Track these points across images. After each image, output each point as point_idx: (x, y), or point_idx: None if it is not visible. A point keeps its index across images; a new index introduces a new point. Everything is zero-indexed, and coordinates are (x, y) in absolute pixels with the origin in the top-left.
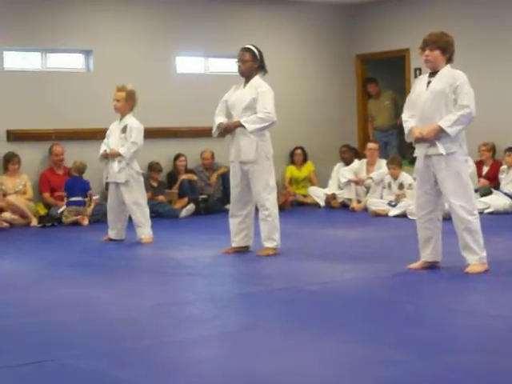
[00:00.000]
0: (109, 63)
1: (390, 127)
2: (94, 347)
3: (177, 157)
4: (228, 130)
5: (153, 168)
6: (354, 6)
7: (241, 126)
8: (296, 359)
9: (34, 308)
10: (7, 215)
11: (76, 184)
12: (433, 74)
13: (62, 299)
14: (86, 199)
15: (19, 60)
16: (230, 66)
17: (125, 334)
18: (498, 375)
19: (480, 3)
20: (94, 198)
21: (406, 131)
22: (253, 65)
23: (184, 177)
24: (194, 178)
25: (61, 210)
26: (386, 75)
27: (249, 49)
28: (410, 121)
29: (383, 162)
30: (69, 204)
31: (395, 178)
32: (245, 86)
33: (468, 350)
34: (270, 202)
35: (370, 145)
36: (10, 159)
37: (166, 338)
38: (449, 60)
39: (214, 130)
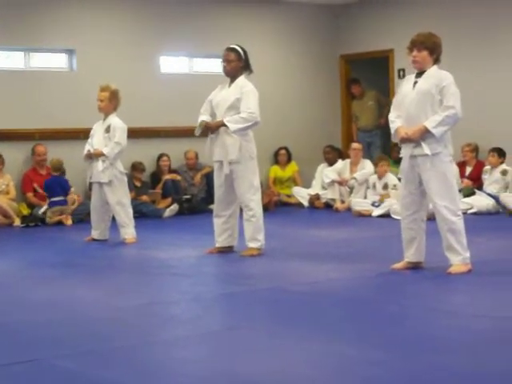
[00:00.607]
0: (92, 63)
1: (374, 127)
2: (79, 347)
3: (160, 157)
4: (210, 128)
5: (136, 168)
6: (339, 7)
7: (224, 125)
8: (280, 359)
9: (18, 308)
10: None
11: (56, 183)
12: (419, 74)
13: (45, 299)
14: (67, 198)
15: (3, 59)
16: (214, 65)
17: (109, 334)
18: (481, 375)
19: (464, 3)
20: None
21: (392, 131)
22: (238, 64)
23: (167, 177)
24: (178, 177)
25: (42, 210)
26: (370, 75)
27: (234, 49)
28: (396, 121)
29: (367, 163)
30: (51, 204)
31: (380, 177)
32: (230, 85)
33: (452, 350)
34: (254, 202)
35: (354, 145)
36: None
37: (151, 337)
38: (436, 61)
39: (197, 128)
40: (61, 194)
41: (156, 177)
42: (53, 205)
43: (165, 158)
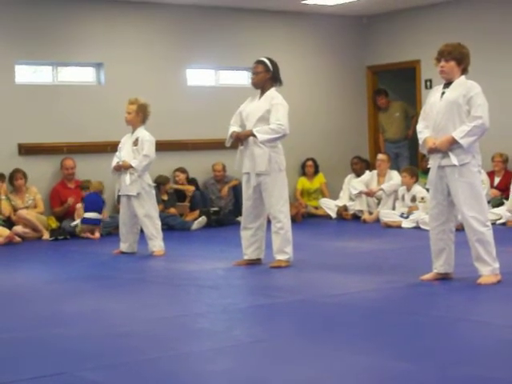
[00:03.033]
0: (120, 76)
1: (401, 138)
2: (107, 359)
3: (175, 171)
4: (240, 138)
5: (162, 181)
6: (366, 18)
7: (252, 135)
8: (309, 371)
9: (47, 321)
10: (19, 229)
11: (94, 200)
12: (447, 84)
13: (74, 312)
14: (100, 217)
15: (30, 74)
16: (241, 78)
17: (138, 346)
18: None
19: (492, 14)
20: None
21: (420, 142)
22: (265, 76)
23: (174, 186)
24: (191, 189)
25: (74, 223)
26: (397, 86)
27: (261, 61)
28: (424, 131)
29: (394, 174)
30: (84, 222)
31: (408, 189)
32: (260, 97)
33: (482, 361)
34: (283, 214)
35: (380, 156)
36: (14, 175)
37: (179, 350)
38: (464, 71)
39: (228, 139)
40: (95, 211)
41: (179, 190)
42: (86, 222)
43: (177, 173)
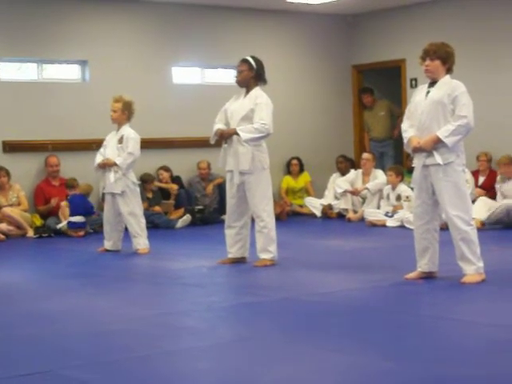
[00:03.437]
0: (105, 74)
1: (386, 137)
2: (92, 357)
3: (158, 169)
4: (223, 136)
5: (146, 179)
6: (351, 17)
7: (236, 133)
8: (293, 369)
9: (31, 319)
10: (3, 226)
11: (80, 203)
12: (432, 83)
13: (59, 310)
14: (85, 220)
15: (15, 71)
16: (227, 76)
17: (122, 344)
18: None
19: (476, 14)
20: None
21: (405, 141)
22: (248, 74)
23: (158, 184)
24: (174, 187)
25: (60, 225)
26: (382, 85)
27: (245, 60)
28: (408, 130)
29: (379, 173)
30: (70, 225)
31: (393, 187)
32: (245, 96)
33: (465, 360)
34: (266, 213)
35: (365, 155)
36: None
37: (163, 348)
38: (448, 70)
39: (212, 136)
40: (81, 214)
41: (163, 188)
42: (72, 226)
43: (160, 172)
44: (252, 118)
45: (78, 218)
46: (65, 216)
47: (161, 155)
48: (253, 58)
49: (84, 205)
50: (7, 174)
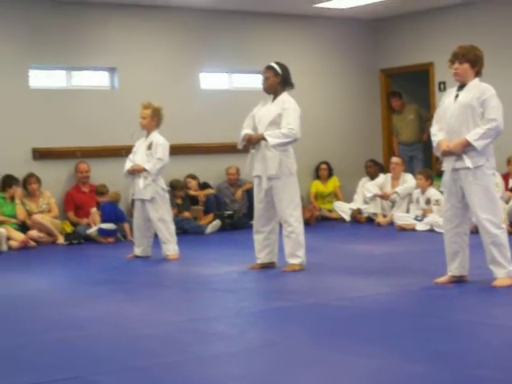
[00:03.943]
0: (133, 80)
1: (415, 141)
2: (121, 363)
3: (186, 177)
4: (251, 141)
5: (175, 185)
6: (378, 21)
7: (263, 139)
8: (321, 374)
9: (62, 325)
10: (34, 233)
11: (112, 211)
12: (461, 87)
13: (89, 316)
14: (116, 227)
15: (44, 78)
16: (254, 81)
17: (152, 350)
18: None
19: (505, 19)
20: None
21: (434, 144)
22: (275, 80)
23: (192, 193)
24: (210, 191)
25: (90, 231)
26: (410, 89)
27: (270, 66)
28: (438, 134)
29: (408, 177)
30: (100, 232)
31: (423, 191)
32: (272, 101)
33: (497, 364)
34: (293, 218)
35: (394, 159)
36: (27, 180)
37: (193, 353)
38: (478, 73)
39: (240, 141)
40: (112, 221)
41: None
42: (102, 232)
43: (188, 180)
44: (279, 123)
45: (109, 226)
46: (95, 222)
47: (189, 161)
48: (277, 63)
49: (115, 213)
50: (38, 180)
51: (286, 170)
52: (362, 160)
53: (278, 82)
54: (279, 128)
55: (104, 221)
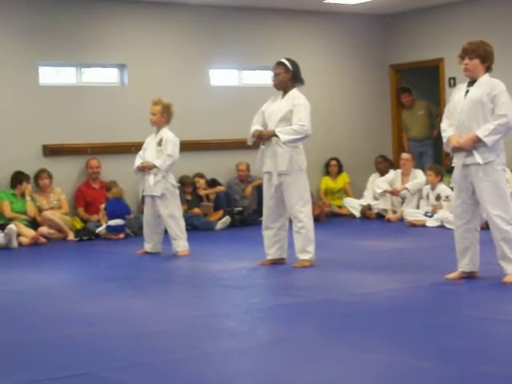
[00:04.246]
0: (143, 77)
1: (425, 137)
2: (131, 359)
3: (194, 176)
4: (262, 137)
5: (185, 181)
6: (388, 16)
7: (275, 135)
8: (333, 369)
9: (72, 320)
10: (44, 230)
11: (116, 206)
12: (471, 82)
13: (99, 312)
14: (124, 223)
15: (54, 75)
16: (264, 78)
17: (162, 346)
18: None
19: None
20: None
21: (444, 140)
22: (285, 76)
23: (201, 192)
24: (220, 188)
25: (99, 229)
26: (420, 85)
27: (280, 62)
28: (448, 130)
29: (418, 173)
30: (109, 229)
31: (433, 187)
32: (282, 97)
33: (507, 360)
34: (303, 214)
35: (404, 155)
36: (39, 175)
37: (204, 349)
38: (488, 69)
39: (250, 138)
40: (120, 217)
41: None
42: (111, 229)
43: (196, 179)
44: (290, 120)
45: (117, 222)
46: (105, 219)
47: (199, 157)
48: (287, 59)
49: (120, 208)
50: (49, 176)
51: (296, 166)
52: (371, 156)
53: (289, 78)
54: (290, 124)
55: (111, 217)
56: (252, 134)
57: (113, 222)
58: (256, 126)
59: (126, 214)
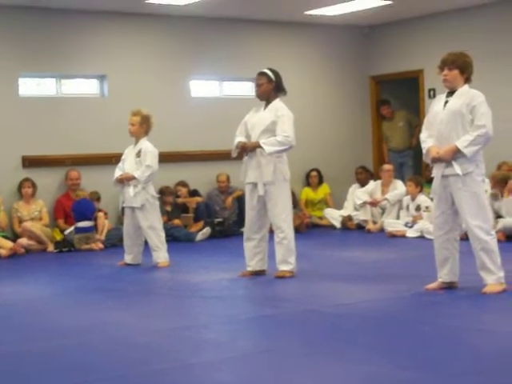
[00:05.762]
0: (123, 88)
1: (405, 148)
2: (112, 371)
3: (176, 185)
4: (246, 149)
5: (165, 192)
6: (368, 28)
7: (259, 146)
8: (313, 381)
9: (53, 333)
10: (24, 241)
11: (83, 207)
12: (450, 93)
13: (79, 324)
14: (93, 224)
15: (34, 86)
16: (245, 89)
17: (143, 358)
18: None
19: (495, 23)
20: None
21: (423, 151)
22: (268, 87)
23: (180, 200)
24: (198, 199)
25: (68, 231)
26: (400, 96)
27: (263, 72)
28: (427, 141)
29: (398, 183)
30: (77, 231)
31: (413, 198)
32: (265, 108)
33: (489, 370)
34: (286, 224)
35: (385, 166)
36: (22, 183)
37: (184, 361)
38: (467, 80)
39: (234, 149)
40: (88, 218)
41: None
42: (78, 231)
43: (178, 188)
44: (273, 131)
45: (85, 223)
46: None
47: (179, 169)
48: (270, 69)
49: (86, 206)
50: (33, 185)
51: (280, 176)
52: (352, 167)
53: (272, 88)
54: (273, 135)
55: (79, 219)
56: (236, 146)
57: (80, 224)
58: (240, 138)
59: (94, 212)
